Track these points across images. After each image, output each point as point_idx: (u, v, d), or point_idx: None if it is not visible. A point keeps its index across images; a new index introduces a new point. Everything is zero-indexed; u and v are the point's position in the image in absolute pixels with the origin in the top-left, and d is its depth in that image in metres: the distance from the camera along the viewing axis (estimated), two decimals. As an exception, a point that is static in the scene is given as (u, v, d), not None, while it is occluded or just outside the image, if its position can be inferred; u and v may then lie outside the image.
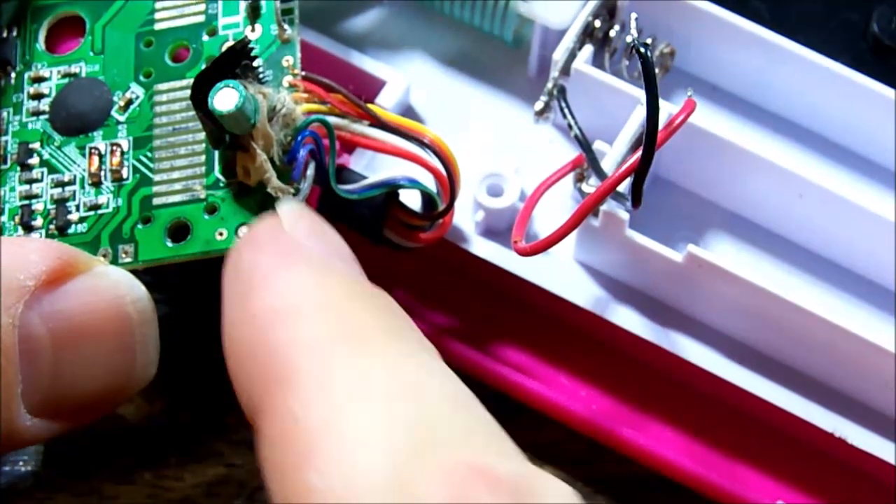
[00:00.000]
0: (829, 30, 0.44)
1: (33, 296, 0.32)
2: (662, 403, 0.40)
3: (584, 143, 0.38)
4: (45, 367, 0.32)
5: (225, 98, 0.33)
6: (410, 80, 0.42)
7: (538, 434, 0.41)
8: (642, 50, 0.34)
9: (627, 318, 0.39)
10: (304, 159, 0.35)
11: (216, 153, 0.36)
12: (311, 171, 0.35)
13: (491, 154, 0.42)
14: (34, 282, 0.32)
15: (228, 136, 0.35)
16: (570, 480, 0.40)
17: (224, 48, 0.34)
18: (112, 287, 0.33)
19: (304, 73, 0.37)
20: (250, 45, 0.35)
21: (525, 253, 0.37)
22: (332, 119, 0.36)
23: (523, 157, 0.42)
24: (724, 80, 0.43)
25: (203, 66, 0.37)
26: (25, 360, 0.32)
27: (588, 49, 0.40)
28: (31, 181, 0.37)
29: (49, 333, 0.32)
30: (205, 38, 0.38)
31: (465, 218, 0.40)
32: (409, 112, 0.42)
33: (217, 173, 0.36)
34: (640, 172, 0.35)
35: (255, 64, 0.35)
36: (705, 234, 0.41)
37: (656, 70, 0.40)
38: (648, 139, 0.34)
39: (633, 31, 0.37)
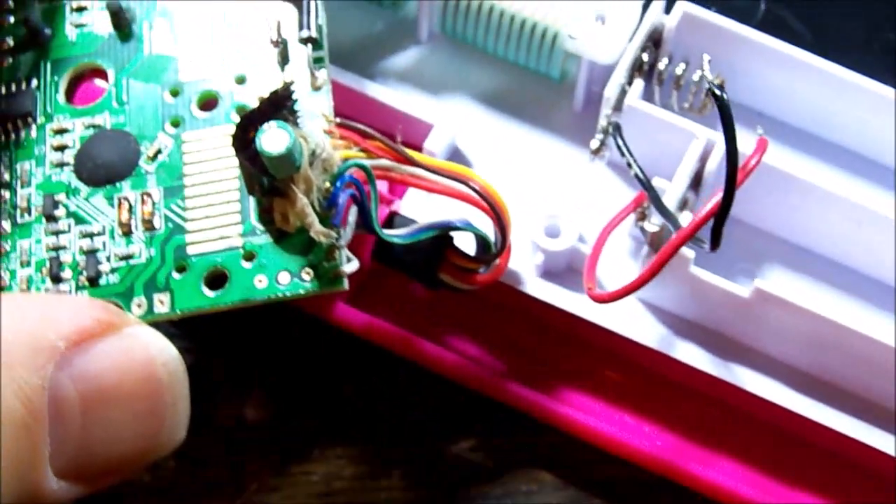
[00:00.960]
0: (872, 51, 0.44)
1: (63, 356, 0.30)
2: (727, 436, 0.40)
3: (645, 183, 0.38)
4: (74, 429, 0.31)
5: (274, 140, 0.33)
6: (455, 120, 0.42)
7: (538, 438, 0.41)
8: (717, 92, 0.33)
9: (690, 354, 0.39)
10: (344, 204, 0.34)
11: (251, 200, 0.36)
12: (352, 217, 0.34)
13: (543, 193, 0.42)
14: (65, 342, 0.30)
15: (267, 181, 0.34)
16: (565, 485, 0.40)
17: (268, 93, 0.34)
18: (143, 348, 0.32)
19: (338, 120, 0.36)
20: (292, 89, 0.34)
21: (602, 300, 0.36)
22: (382, 161, 0.35)
23: (576, 195, 0.42)
24: (770, 106, 0.42)
25: (235, 111, 0.37)
26: (54, 421, 0.30)
27: (639, 84, 0.40)
28: (57, 232, 0.36)
29: (79, 395, 0.31)
30: (234, 86, 0.38)
31: (522, 260, 0.40)
32: (455, 154, 0.42)
33: (254, 220, 0.35)
34: (720, 216, 0.34)
35: (295, 108, 0.34)
36: (763, 265, 0.41)
37: (707, 102, 0.40)
38: (728, 183, 0.33)
39: (707, 74, 0.36)
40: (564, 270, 0.40)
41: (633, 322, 0.39)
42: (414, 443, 0.41)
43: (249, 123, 0.33)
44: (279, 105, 0.34)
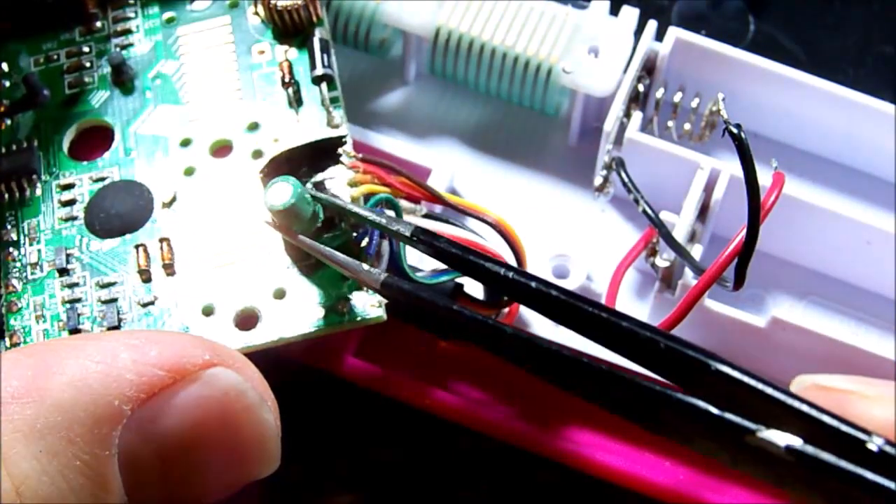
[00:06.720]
0: (865, 65, 0.45)
1: (132, 418, 0.29)
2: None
3: (655, 220, 0.37)
4: (153, 482, 0.29)
5: (278, 193, 0.32)
6: (450, 161, 0.41)
7: (554, 480, 0.40)
8: (735, 131, 0.32)
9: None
10: (378, 235, 0.34)
11: (276, 237, 0.35)
12: (385, 250, 0.34)
13: (545, 231, 0.41)
14: (131, 405, 0.29)
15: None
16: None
17: (317, 138, 0.34)
18: (220, 396, 0.30)
19: (361, 156, 0.36)
20: (345, 140, 0.35)
21: None
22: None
23: (579, 231, 0.41)
24: (766, 127, 0.42)
25: (251, 155, 0.37)
26: (131, 479, 0.29)
27: (637, 116, 0.40)
28: (72, 285, 0.35)
29: (153, 453, 0.29)
30: (247, 132, 0.37)
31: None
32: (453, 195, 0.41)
33: (280, 258, 0.35)
34: (744, 256, 0.33)
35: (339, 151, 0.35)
36: (771, 290, 0.41)
37: (705, 129, 0.40)
38: (751, 222, 0.33)
39: (723, 113, 0.34)
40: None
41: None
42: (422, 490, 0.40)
43: (285, 162, 0.33)
44: (326, 151, 0.34)
